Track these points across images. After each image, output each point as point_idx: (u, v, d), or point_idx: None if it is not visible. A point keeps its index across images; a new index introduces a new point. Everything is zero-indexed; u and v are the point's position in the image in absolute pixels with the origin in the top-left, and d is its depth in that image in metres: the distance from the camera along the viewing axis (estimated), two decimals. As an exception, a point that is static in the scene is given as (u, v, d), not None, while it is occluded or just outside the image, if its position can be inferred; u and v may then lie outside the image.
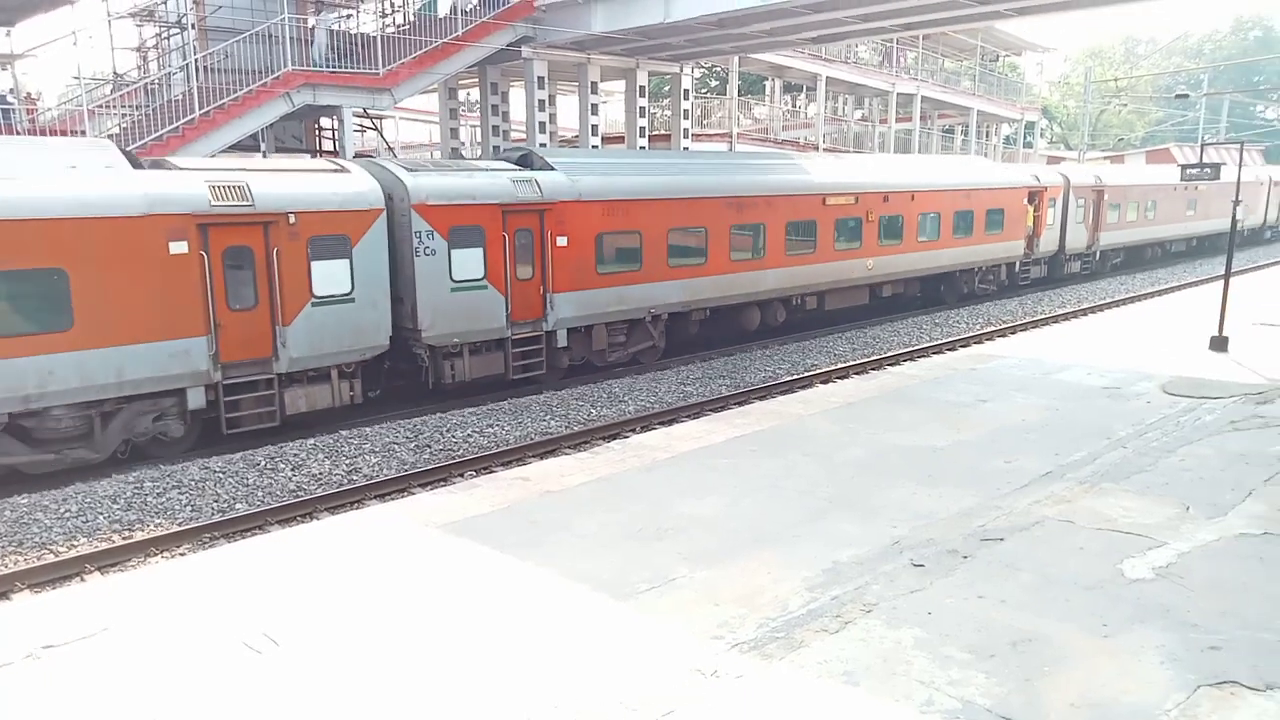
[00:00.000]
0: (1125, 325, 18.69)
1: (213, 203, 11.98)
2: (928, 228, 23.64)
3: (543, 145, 23.13)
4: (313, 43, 20.30)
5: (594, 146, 25.21)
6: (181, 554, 9.40)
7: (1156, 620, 6.15)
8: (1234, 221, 16.85)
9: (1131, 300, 25.84)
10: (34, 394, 10.91)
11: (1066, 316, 23.26)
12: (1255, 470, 9.16)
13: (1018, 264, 27.81)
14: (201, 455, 12.30)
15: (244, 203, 12.26)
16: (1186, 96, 50.37)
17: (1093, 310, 24.19)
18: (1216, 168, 16.96)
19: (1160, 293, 27.09)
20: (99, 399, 11.46)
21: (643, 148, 26.48)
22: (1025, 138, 48.95)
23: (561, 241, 15.72)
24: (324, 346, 13.24)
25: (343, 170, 13.96)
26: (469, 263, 14.62)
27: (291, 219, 12.67)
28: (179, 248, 11.71)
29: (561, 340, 16.15)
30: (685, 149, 27.45)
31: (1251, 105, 76.15)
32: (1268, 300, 21.09)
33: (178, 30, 20.42)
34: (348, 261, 13.27)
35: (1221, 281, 16.31)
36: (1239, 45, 79.77)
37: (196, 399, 12.23)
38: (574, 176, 16.06)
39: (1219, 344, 15.27)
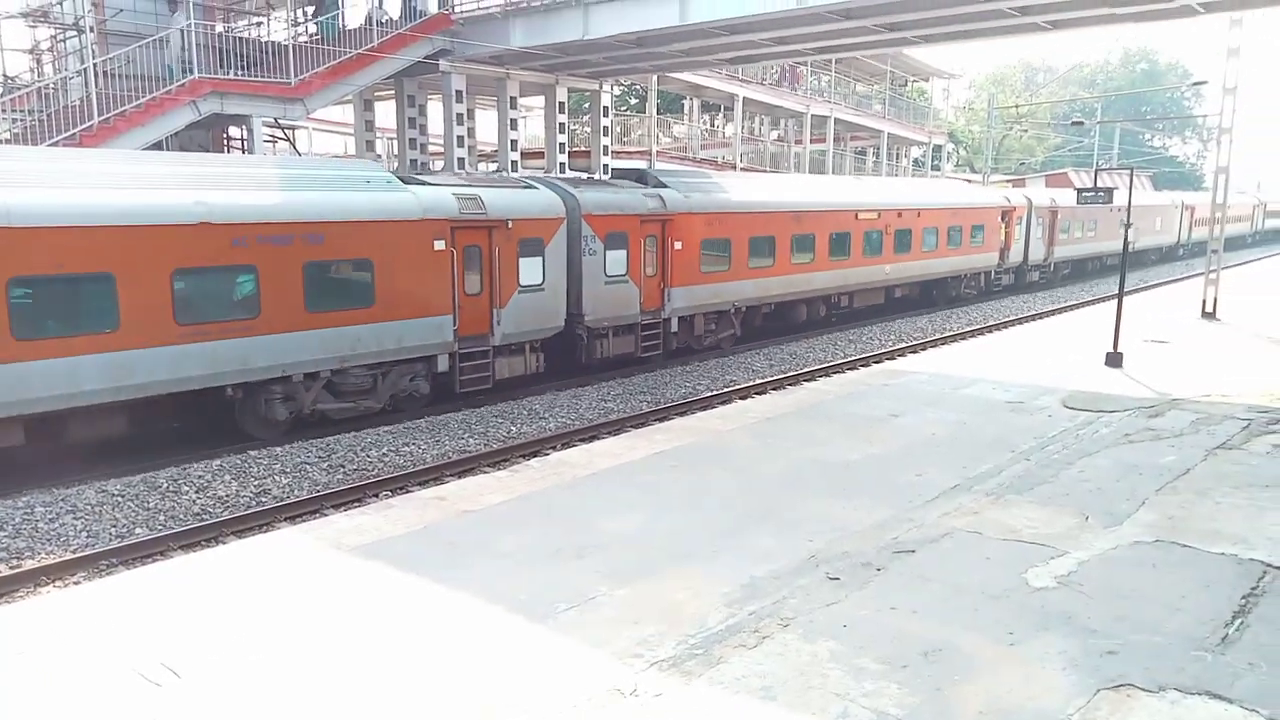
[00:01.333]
0: (1029, 341, 19.48)
1: (460, 211, 15.21)
2: (929, 240, 27.89)
3: (605, 166, 26.37)
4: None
5: (513, 163, 25.11)
6: (75, 583, 8.91)
7: (1059, 627, 6.39)
8: (1125, 243, 17.78)
9: (1034, 318, 26.95)
10: (348, 355, 14.16)
11: (975, 333, 24.11)
12: (1147, 480, 9.63)
13: (993, 272, 32.48)
14: (99, 478, 11.72)
15: (480, 211, 15.54)
16: (1082, 124, 53.15)
17: (998, 327, 25.14)
18: (1110, 192, 17.89)
19: (1060, 310, 28.34)
20: (383, 361, 14.68)
21: (561, 164, 26.49)
22: (933, 160, 50.71)
23: (677, 246, 19.33)
24: (524, 325, 16.57)
25: (533, 186, 17.36)
26: (617, 262, 18.16)
27: (509, 224, 15.92)
28: (440, 245, 14.96)
29: (674, 326, 19.69)
30: (605, 166, 27.58)
31: (1141, 133, 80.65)
32: (1164, 315, 22.26)
33: (75, 33, 19.56)
34: (541, 259, 16.54)
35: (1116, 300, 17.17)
36: (1128, 77, 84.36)
37: (442, 364, 15.48)
38: (685, 193, 19.75)
39: (1114, 360, 16.04)
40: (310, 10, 26.67)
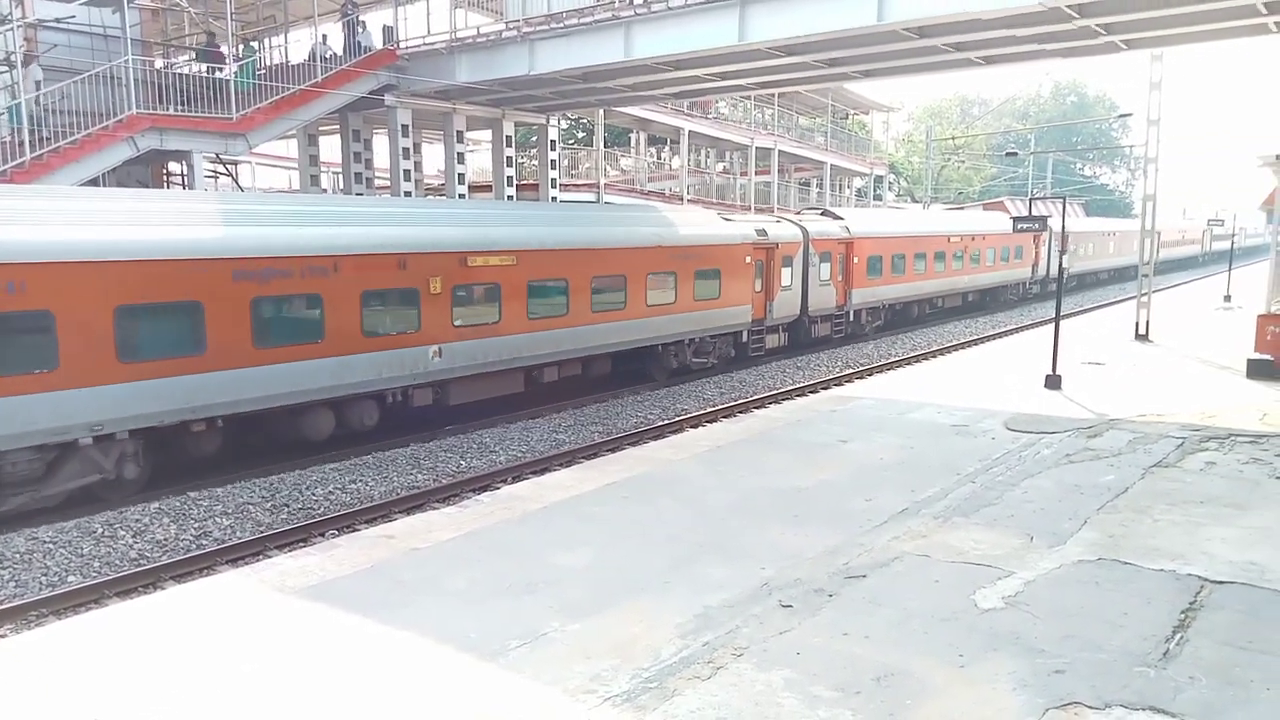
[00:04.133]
0: (970, 366, 19.88)
1: (756, 238, 23.59)
2: (989, 257, 36.71)
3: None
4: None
5: (460, 195, 25.07)
6: (2, 635, 8.53)
7: (1007, 648, 6.46)
8: (1061, 269, 18.29)
9: (972, 343, 27.53)
10: (705, 329, 22.04)
11: (919, 358, 24.53)
12: (1089, 500, 9.85)
13: (1026, 283, 41.44)
14: (29, 525, 11.27)
15: (765, 237, 24.02)
16: (1016, 154, 54.85)
17: (941, 352, 25.63)
18: (1044, 219, 18.44)
19: (995, 336, 29.03)
20: (719, 334, 22.69)
21: (510, 197, 26.52)
22: (875, 190, 51.84)
23: (856, 260, 27.94)
24: (782, 313, 24.96)
25: (782, 221, 26.16)
26: (825, 271, 26.66)
27: (778, 245, 24.49)
28: (748, 259, 23.14)
29: (851, 317, 28.38)
30: (553, 199, 27.67)
31: (1072, 162, 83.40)
32: (1100, 337, 22.90)
33: (5, 68, 19.11)
34: (791, 269, 25.10)
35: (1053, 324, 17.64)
36: (1059, 109, 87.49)
37: (743, 337, 23.63)
38: (858, 225, 28.65)
39: (1053, 382, 16.44)
40: (253, 45, 26.46)
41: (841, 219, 28.37)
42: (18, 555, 10.35)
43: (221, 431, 13.40)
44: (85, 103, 18.03)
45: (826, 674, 6.12)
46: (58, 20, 19.20)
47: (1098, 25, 16.24)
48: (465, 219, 17.28)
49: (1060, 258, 18.27)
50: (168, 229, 12.66)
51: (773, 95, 39.40)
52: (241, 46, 21.94)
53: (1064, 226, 17.46)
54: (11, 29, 18.21)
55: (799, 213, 30.75)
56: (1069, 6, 14.89)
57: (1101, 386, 16.58)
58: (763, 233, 23.82)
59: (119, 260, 11.87)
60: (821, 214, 29.28)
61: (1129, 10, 15.64)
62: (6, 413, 10.98)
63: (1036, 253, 40.96)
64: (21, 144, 16.69)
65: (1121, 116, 57.75)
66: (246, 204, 15.65)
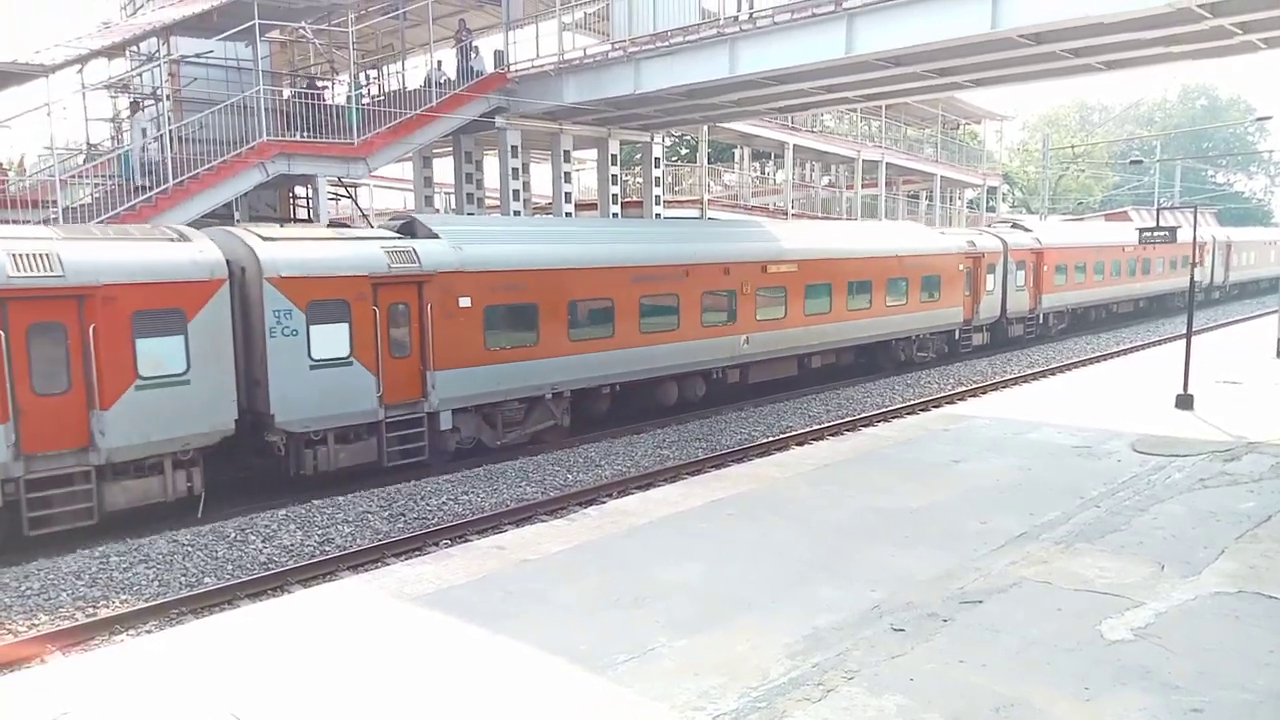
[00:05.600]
0: (1092, 384, 18.99)
1: (967, 248, 27.07)
2: (1151, 267, 38.12)
3: (657, 214, 28.97)
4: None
5: (568, 214, 25.59)
6: (148, 631, 9.13)
7: (1137, 682, 6.14)
8: (1192, 282, 17.31)
9: (1097, 360, 26.29)
10: (929, 327, 25.78)
11: (1034, 376, 23.58)
12: (1226, 528, 9.27)
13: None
14: (171, 527, 12.04)
15: (974, 248, 27.56)
16: (1141, 163, 52.21)
17: (1060, 370, 24.57)
18: (1173, 230, 17.50)
19: (1124, 352, 27.62)
20: (938, 331, 26.22)
21: (615, 214, 26.91)
22: (988, 202, 50.22)
23: (1045, 269, 30.80)
24: (985, 315, 28.51)
25: (984, 233, 29.67)
26: (1021, 278, 29.78)
27: (985, 255, 28.04)
28: (960, 267, 26.45)
29: (1040, 320, 31.44)
30: (657, 215, 27.94)
31: (1203, 170, 78.91)
32: (1237, 354, 21.54)
33: (152, 102, 20.56)
34: (993, 276, 28.63)
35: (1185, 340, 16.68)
36: (1187, 114, 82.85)
37: (955, 335, 27.22)
38: (1046, 237, 31.54)
39: (1185, 402, 15.54)
40: (372, 74, 27.70)
41: (1030, 230, 31.57)
42: (160, 556, 11.06)
43: (616, 395, 17.98)
44: (219, 132, 19.26)
45: (941, 702, 5.95)
46: (198, 55, 20.59)
47: (1232, 24, 15.36)
48: (763, 235, 22.14)
49: (1191, 269, 17.30)
50: (603, 245, 17.73)
51: (880, 106, 38.77)
52: (351, 82, 23.01)
53: (1195, 237, 16.54)
54: (159, 64, 19.61)
55: (989, 224, 34.50)
56: (1200, 6, 14.14)
57: (1238, 407, 15.57)
58: (972, 244, 27.48)
59: (573, 268, 16.75)
60: (1012, 226, 32.34)
61: (1268, 7, 14.73)
62: (508, 374, 15.80)
63: (1202, 261, 43.19)
64: (139, 188, 17.82)
65: (1260, 120, 54.22)
66: (638, 228, 22.19)
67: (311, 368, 13.16)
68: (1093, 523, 9.58)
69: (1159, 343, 28.90)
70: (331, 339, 13.36)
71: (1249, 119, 70.82)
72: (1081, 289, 33.12)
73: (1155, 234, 17.34)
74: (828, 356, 22.67)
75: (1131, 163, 52.38)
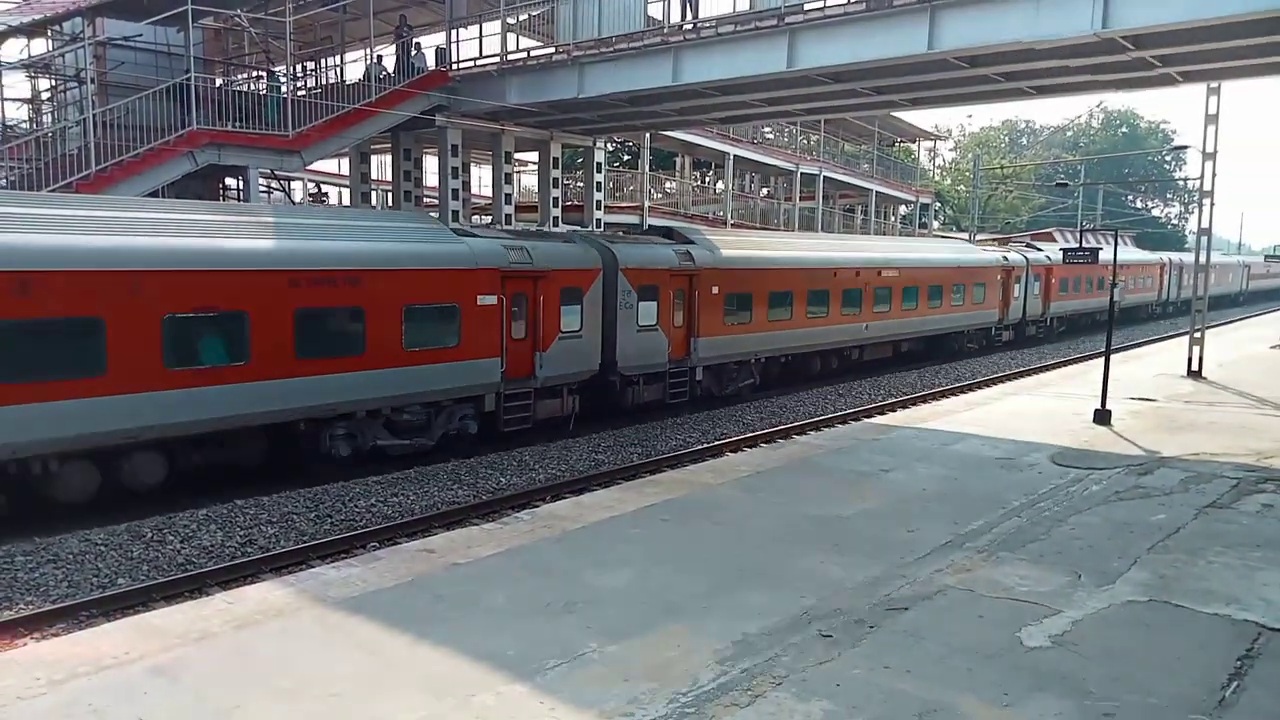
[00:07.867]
0: (1017, 398, 19.56)
1: (1003, 262, 33.24)
2: (1144, 281, 46.44)
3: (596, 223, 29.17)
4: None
5: (507, 215, 25.39)
6: (54, 634, 8.72)
7: (1054, 688, 6.32)
8: (1111, 302, 17.97)
9: (1023, 374, 27.09)
10: (954, 326, 30.97)
11: (963, 389, 24.19)
12: (1139, 539, 9.62)
13: (1153, 304, 49.69)
14: (82, 527, 11.54)
15: (1007, 262, 33.29)
16: (1066, 185, 54.12)
17: (987, 383, 25.26)
18: (1095, 251, 18.16)
19: (1048, 367, 28.53)
20: (965, 330, 31.62)
21: (555, 218, 26.78)
22: (920, 219, 51.42)
23: (1053, 281, 37.15)
24: (1012, 317, 34.64)
25: (1011, 250, 35.39)
26: (1037, 288, 36.24)
27: (1014, 268, 34.01)
28: (998, 277, 32.55)
29: (1049, 322, 38.24)
30: (597, 221, 27.90)
31: (1123, 195, 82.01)
32: (1151, 373, 22.41)
33: (75, 85, 19.77)
34: (1020, 285, 34.45)
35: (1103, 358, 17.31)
36: (1109, 140, 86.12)
37: (992, 331, 33.24)
38: (1054, 255, 35.28)
39: (1102, 417, 16.12)
40: (310, 66, 27.13)
41: (1042, 250, 37.99)
42: (70, 556, 10.59)
43: (787, 364, 24.07)
44: (148, 118, 18.60)
45: (867, 707, 6.04)
46: (125, 38, 19.87)
47: (1153, 57, 16.01)
48: (875, 247, 29.10)
49: (1111, 290, 17.96)
50: (793, 253, 24.34)
51: (819, 121, 39.41)
52: (269, 74, 22.47)
53: (1115, 259, 17.19)
54: (83, 46, 18.87)
55: (1006, 244, 40.92)
56: (1124, 38, 14.71)
57: (1152, 423, 16.21)
58: (1005, 259, 34.03)
59: (779, 269, 23.28)
60: (1026, 246, 39.21)
61: (1185, 43, 15.41)
62: (735, 343, 21.82)
63: (1162, 281, 51.61)
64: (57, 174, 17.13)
65: (1175, 149, 56.67)
66: (821, 240, 29.71)
67: (637, 331, 18.91)
68: (1014, 532, 9.86)
69: (1088, 357, 29.90)
70: (648, 312, 19.12)
71: (1166, 148, 73.90)
72: (1077, 299, 40.76)
73: (1078, 254, 17.99)
74: (913, 344, 29.77)
75: (1057, 185, 54.23)
